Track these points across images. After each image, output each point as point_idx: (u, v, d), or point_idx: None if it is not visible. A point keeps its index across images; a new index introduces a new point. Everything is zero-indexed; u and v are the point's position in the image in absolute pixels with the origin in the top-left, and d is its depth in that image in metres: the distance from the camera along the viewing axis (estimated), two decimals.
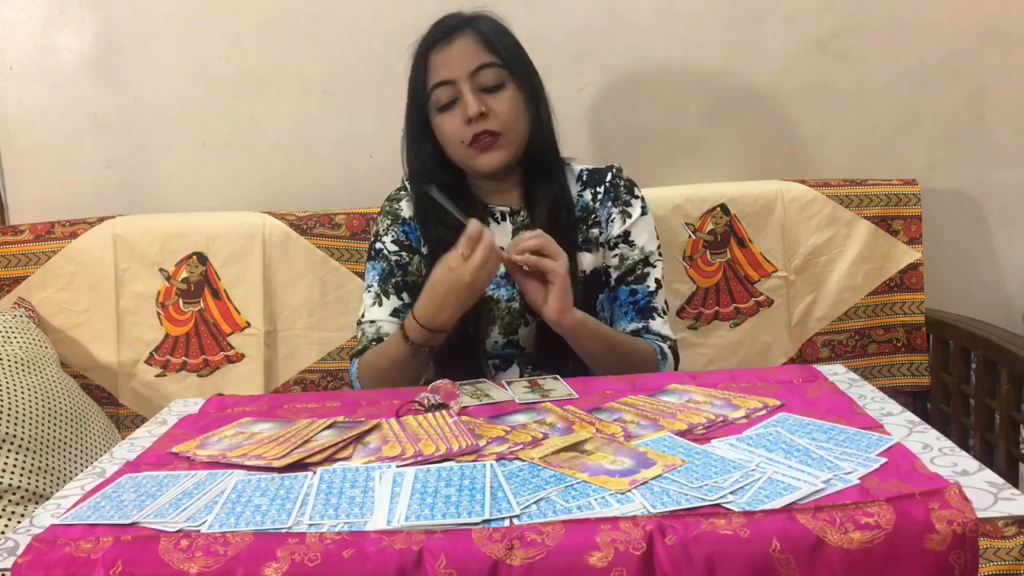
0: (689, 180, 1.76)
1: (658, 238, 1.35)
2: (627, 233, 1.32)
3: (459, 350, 1.25)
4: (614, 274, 1.32)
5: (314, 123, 1.78)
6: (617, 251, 1.32)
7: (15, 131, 1.77)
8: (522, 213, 1.32)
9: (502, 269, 1.20)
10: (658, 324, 1.31)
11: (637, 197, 1.34)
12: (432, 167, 1.30)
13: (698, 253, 1.69)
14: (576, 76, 1.76)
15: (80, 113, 1.77)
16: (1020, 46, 1.77)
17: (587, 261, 1.30)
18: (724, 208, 1.69)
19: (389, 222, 1.34)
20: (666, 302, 1.35)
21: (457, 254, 1.10)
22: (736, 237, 1.69)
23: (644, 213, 1.33)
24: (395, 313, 1.29)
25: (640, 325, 1.30)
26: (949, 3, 1.76)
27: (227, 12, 1.73)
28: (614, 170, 1.36)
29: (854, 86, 1.79)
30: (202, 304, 1.65)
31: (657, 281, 1.32)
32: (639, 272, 1.31)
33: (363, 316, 1.32)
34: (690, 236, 1.68)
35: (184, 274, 1.65)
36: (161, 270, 1.65)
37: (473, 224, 1.10)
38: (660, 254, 1.34)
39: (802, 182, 1.71)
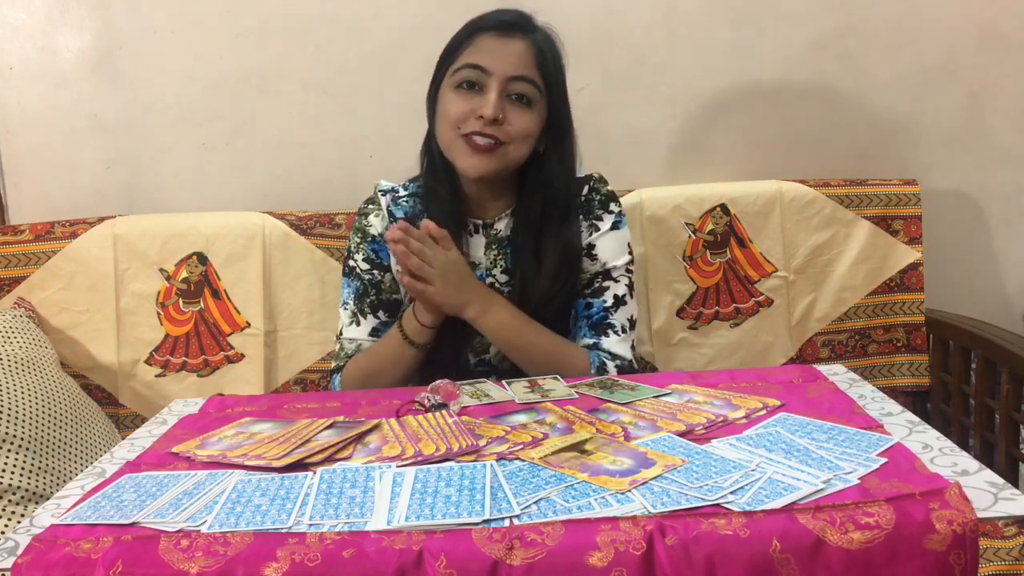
0: (689, 180, 1.76)
1: (631, 253, 1.31)
2: (591, 246, 1.28)
3: (440, 366, 1.21)
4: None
5: (314, 123, 1.78)
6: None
7: (15, 131, 1.77)
8: (496, 226, 1.30)
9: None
10: (611, 342, 1.24)
11: (611, 212, 1.29)
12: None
13: (698, 253, 1.69)
14: (576, 76, 1.71)
15: (80, 113, 1.76)
16: (1020, 47, 1.77)
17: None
18: (724, 208, 1.69)
19: (359, 239, 1.31)
20: (632, 320, 1.29)
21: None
22: (736, 237, 1.69)
23: (615, 228, 1.29)
24: (374, 332, 1.29)
25: (592, 341, 1.25)
26: (949, 3, 1.76)
27: (227, 12, 1.73)
28: (592, 182, 1.32)
29: (854, 86, 1.79)
30: (202, 304, 1.65)
31: (617, 298, 1.27)
32: (596, 286, 1.28)
33: (341, 333, 1.32)
34: (690, 236, 1.68)
35: (184, 274, 1.65)
36: (161, 270, 1.65)
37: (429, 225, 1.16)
38: (629, 271, 1.29)
39: (802, 182, 1.71)
